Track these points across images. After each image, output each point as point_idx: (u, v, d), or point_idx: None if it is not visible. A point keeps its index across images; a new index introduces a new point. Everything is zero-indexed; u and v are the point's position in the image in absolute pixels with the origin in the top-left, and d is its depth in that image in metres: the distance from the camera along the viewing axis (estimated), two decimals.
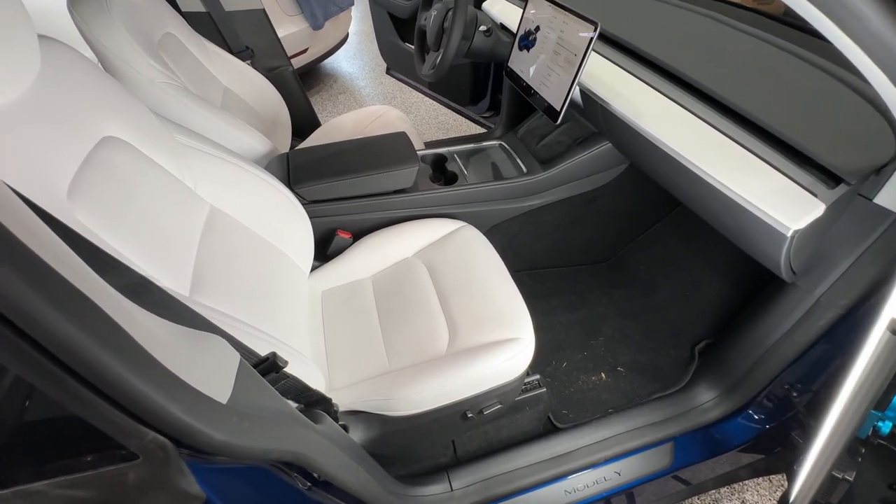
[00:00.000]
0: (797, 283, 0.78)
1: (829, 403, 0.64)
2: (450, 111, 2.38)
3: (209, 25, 1.47)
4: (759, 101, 0.76)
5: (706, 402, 1.01)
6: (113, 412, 0.30)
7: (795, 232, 0.63)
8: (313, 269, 1.06)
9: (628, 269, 1.41)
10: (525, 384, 1.00)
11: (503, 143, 1.33)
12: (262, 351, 0.58)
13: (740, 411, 0.95)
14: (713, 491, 1.18)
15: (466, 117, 2.16)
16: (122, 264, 0.39)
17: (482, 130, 1.86)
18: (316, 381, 0.71)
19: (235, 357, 0.43)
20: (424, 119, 2.88)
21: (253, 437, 0.40)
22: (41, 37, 0.56)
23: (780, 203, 0.64)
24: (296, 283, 0.94)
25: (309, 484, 0.59)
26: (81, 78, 0.61)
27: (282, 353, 0.61)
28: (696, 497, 1.17)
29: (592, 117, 1.05)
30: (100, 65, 0.87)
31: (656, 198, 1.30)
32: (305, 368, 0.69)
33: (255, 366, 0.52)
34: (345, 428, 0.80)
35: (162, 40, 1.12)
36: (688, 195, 0.88)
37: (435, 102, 2.31)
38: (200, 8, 1.47)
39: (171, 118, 1.01)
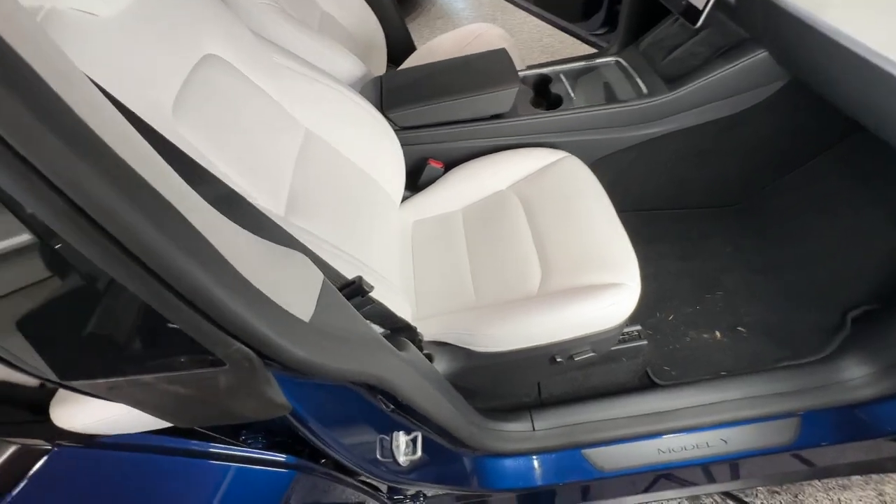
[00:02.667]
0: None
1: None
2: (556, 32, 2.12)
3: None
4: None
5: (855, 378, 0.83)
6: (199, 320, 0.30)
7: None
8: (404, 199, 1.04)
9: (765, 213, 1.17)
10: (623, 334, 0.91)
11: (620, 59, 1.13)
12: (351, 274, 0.58)
13: None
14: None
15: (576, 37, 1.89)
16: (214, 177, 0.39)
17: (593, 51, 1.62)
18: (402, 308, 0.70)
19: (318, 276, 0.42)
20: (527, 43, 2.62)
21: (333, 356, 0.39)
22: None
23: None
24: (387, 211, 0.93)
25: (392, 406, 0.60)
26: None
27: (369, 279, 0.60)
28: (819, 479, 1.02)
29: (747, 18, 0.83)
30: None
31: (821, 123, 1.03)
32: (392, 295, 0.69)
33: (342, 288, 0.52)
34: (429, 357, 0.80)
35: None
36: (883, 116, 0.66)
37: (540, 23, 2.06)
38: None
39: (269, 39, 1.02)
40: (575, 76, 1.13)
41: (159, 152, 0.33)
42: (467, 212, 1.01)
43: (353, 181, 0.87)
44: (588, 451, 0.89)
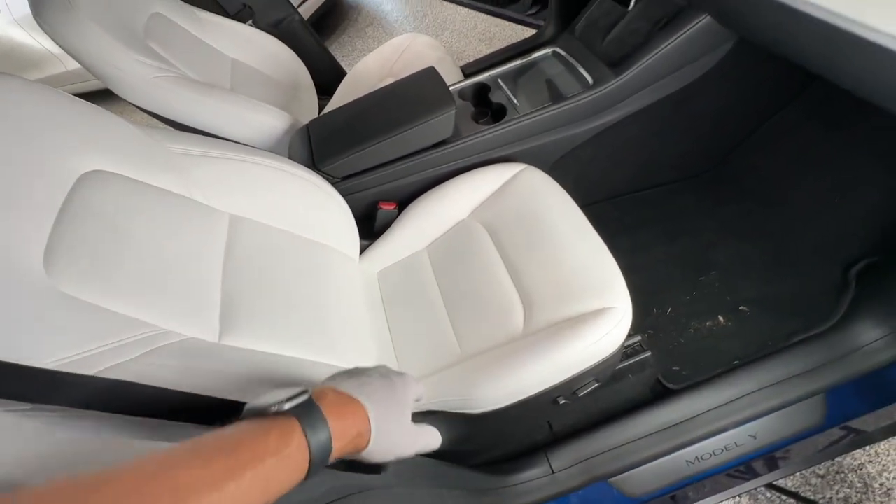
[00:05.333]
0: None
1: None
2: (490, 17, 2.03)
3: None
4: None
5: (872, 341, 0.78)
6: None
7: None
8: (363, 249, 0.96)
9: (741, 177, 1.12)
10: (625, 348, 0.85)
11: (558, 49, 1.05)
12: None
13: None
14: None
15: (509, 20, 1.81)
16: (81, 377, 0.30)
17: (532, 32, 1.54)
18: None
19: None
20: (462, 32, 2.52)
21: None
22: None
23: None
24: (346, 275, 0.85)
25: None
26: (25, 117, 0.51)
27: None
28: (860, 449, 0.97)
29: None
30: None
31: (780, 77, 0.96)
32: None
33: None
34: None
35: (148, 24, 0.99)
36: (842, 72, 0.59)
37: (471, 11, 1.97)
38: None
39: (175, 115, 0.91)
40: (513, 78, 1.05)
41: None
42: (432, 250, 0.93)
43: (298, 255, 0.78)
44: (616, 480, 0.83)
